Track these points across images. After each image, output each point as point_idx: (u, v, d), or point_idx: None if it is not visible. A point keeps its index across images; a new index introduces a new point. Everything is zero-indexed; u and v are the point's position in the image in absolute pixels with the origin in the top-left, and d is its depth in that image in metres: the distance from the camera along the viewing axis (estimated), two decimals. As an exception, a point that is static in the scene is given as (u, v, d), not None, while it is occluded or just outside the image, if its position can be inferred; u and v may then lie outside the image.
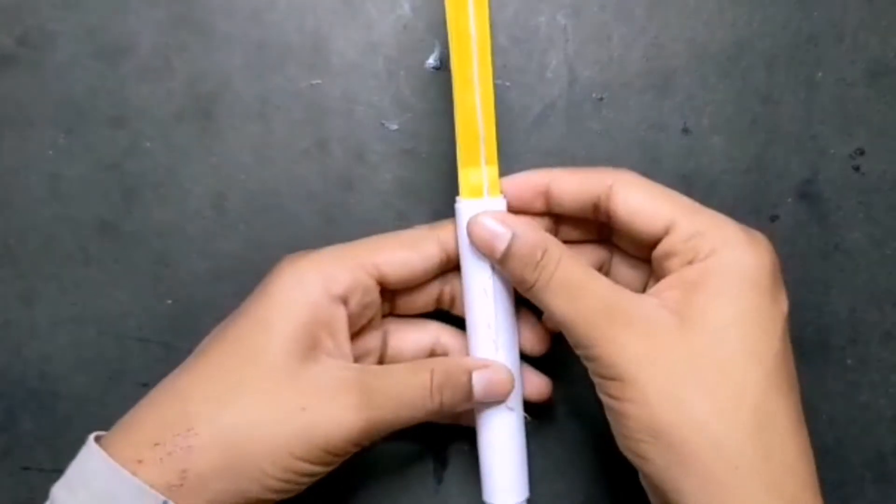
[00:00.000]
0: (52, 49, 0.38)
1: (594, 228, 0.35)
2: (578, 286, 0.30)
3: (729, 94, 0.38)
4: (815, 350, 0.39)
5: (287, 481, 0.30)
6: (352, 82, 0.38)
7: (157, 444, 0.29)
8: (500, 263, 0.32)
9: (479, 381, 0.33)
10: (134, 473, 0.28)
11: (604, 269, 0.36)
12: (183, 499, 0.29)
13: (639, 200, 0.31)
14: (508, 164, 0.38)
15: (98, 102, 0.38)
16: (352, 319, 0.33)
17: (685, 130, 0.38)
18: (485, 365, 0.33)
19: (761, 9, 0.38)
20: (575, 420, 0.39)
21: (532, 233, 0.31)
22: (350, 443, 0.31)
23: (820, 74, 0.38)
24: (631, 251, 0.35)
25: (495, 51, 0.38)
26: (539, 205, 0.34)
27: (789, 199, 0.39)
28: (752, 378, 0.28)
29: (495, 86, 0.32)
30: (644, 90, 0.38)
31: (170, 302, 0.39)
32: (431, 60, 0.38)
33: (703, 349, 0.29)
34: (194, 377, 0.31)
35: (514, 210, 0.33)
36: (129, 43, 0.38)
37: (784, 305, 0.30)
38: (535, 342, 0.36)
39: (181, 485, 0.29)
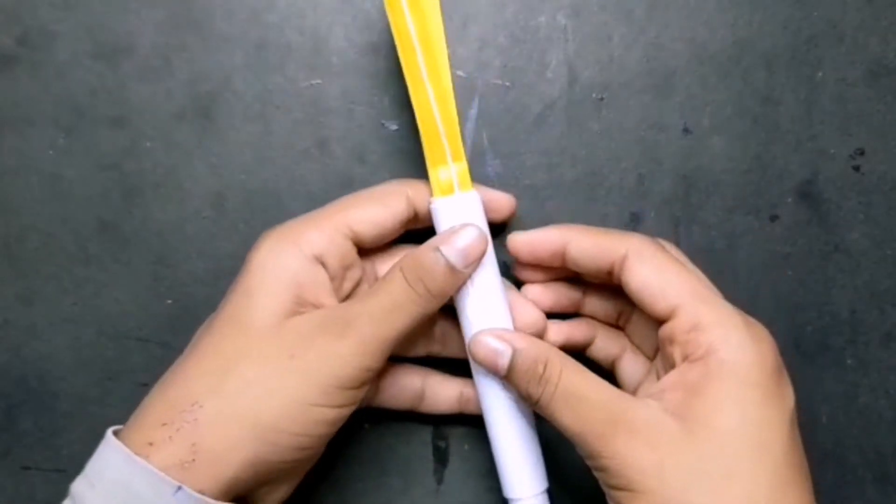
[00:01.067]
0: (52, 49, 0.38)
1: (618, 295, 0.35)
2: (581, 397, 0.31)
3: (729, 94, 0.38)
4: (815, 350, 0.39)
5: (307, 435, 0.30)
6: (352, 82, 0.38)
7: (164, 425, 0.29)
8: (506, 379, 0.32)
9: (451, 251, 0.32)
10: (147, 457, 0.29)
11: (618, 357, 0.37)
12: (200, 476, 0.29)
13: (648, 277, 0.32)
14: (509, 163, 0.38)
15: (98, 102, 0.38)
16: (335, 283, 0.33)
17: (685, 130, 0.38)
18: (450, 234, 0.32)
19: (761, 9, 0.38)
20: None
21: (532, 347, 0.32)
22: (359, 369, 0.31)
23: (820, 74, 0.38)
24: (643, 328, 0.36)
25: (495, 51, 0.38)
26: (556, 264, 0.35)
27: (789, 199, 0.39)
28: (762, 479, 0.29)
29: (455, 80, 0.32)
30: (644, 90, 0.38)
31: (169, 302, 0.39)
32: (431, 60, 0.38)
33: (709, 455, 0.29)
34: (193, 358, 0.31)
35: (529, 264, 0.35)
36: (129, 43, 0.38)
37: (789, 400, 0.30)
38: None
39: (193, 460, 0.29)
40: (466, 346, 0.33)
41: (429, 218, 0.34)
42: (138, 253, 0.39)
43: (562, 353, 0.32)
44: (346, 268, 0.34)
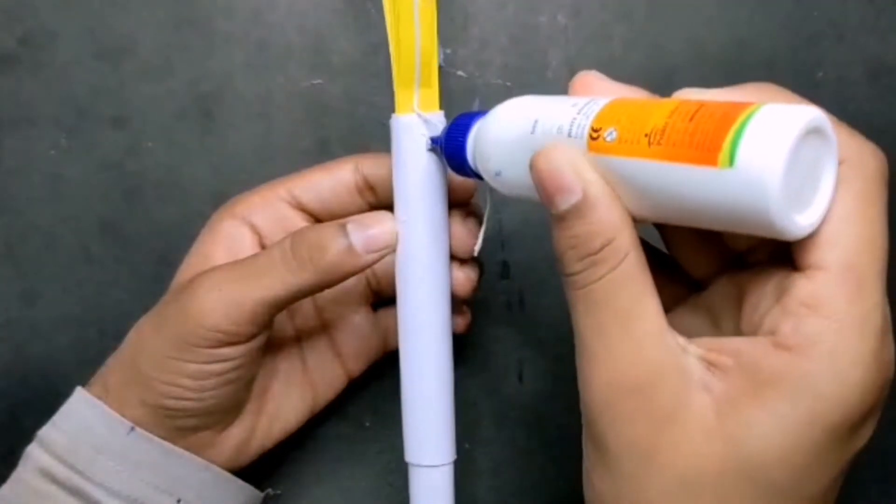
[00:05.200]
0: (53, 49, 0.38)
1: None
2: (623, 313, 0.23)
3: (729, 93, 0.38)
4: (815, 349, 0.39)
5: (174, 385, 0.31)
6: (352, 82, 0.38)
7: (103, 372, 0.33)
8: (553, 222, 0.25)
9: (357, 233, 0.31)
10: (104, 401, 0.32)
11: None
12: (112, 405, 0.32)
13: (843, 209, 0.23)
14: (509, 163, 0.38)
15: (99, 102, 0.38)
16: (266, 239, 0.34)
17: (685, 130, 0.38)
18: (365, 216, 0.32)
19: (761, 9, 0.38)
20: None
21: (606, 208, 0.23)
22: (208, 329, 0.30)
23: (820, 74, 0.38)
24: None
25: (496, 51, 0.38)
26: None
27: (789, 199, 0.39)
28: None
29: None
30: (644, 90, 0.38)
31: (171, 301, 0.39)
32: (432, 60, 0.38)
33: (736, 469, 0.22)
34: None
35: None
36: (130, 43, 0.38)
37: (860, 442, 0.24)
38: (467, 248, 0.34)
39: (106, 396, 0.32)
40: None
41: (387, 188, 0.33)
42: (140, 252, 0.39)
43: (637, 243, 0.24)
44: (287, 231, 0.33)
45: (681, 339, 0.24)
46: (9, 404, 0.39)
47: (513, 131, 0.27)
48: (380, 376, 0.38)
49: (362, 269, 0.31)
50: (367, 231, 0.31)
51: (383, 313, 0.37)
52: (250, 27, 0.38)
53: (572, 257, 0.24)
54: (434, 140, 0.31)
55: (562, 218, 0.24)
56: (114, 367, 0.33)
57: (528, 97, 0.28)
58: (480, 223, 0.33)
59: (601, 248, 0.23)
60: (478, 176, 0.29)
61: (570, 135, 0.25)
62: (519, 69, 0.38)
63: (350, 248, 0.30)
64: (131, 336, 0.33)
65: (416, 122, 0.31)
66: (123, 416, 0.31)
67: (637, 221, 0.24)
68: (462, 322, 0.36)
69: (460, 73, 0.38)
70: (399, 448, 0.34)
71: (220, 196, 0.36)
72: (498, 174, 0.28)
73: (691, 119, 0.22)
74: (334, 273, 0.31)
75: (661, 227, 0.28)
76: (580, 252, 0.24)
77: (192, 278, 0.32)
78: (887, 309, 0.22)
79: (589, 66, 0.38)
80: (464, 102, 0.38)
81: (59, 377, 0.39)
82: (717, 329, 0.26)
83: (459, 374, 0.38)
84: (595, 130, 0.24)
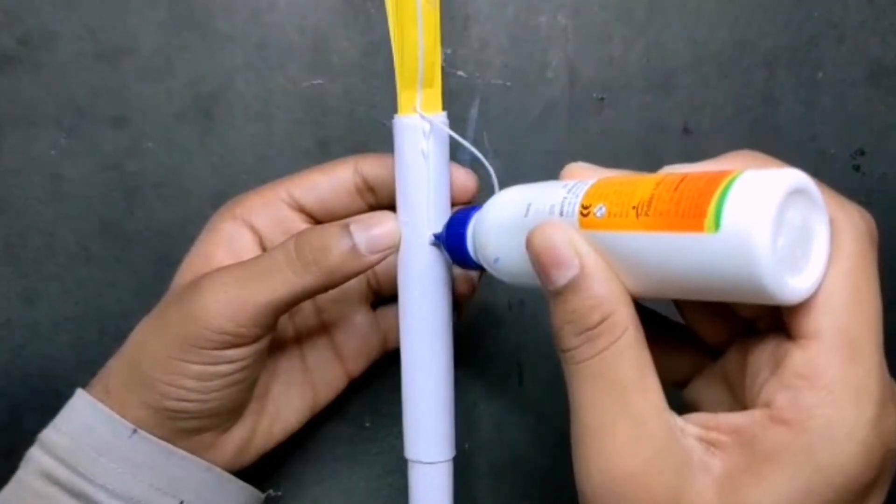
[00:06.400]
0: (53, 49, 0.38)
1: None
2: (621, 390, 0.23)
3: (729, 94, 0.38)
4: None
5: (176, 386, 0.31)
6: (352, 82, 0.38)
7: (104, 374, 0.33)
8: (549, 297, 0.25)
9: (360, 233, 0.31)
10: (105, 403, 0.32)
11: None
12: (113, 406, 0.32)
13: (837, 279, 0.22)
14: (510, 163, 0.38)
15: (99, 102, 0.38)
16: (269, 245, 0.34)
17: (685, 130, 0.38)
18: (368, 217, 0.31)
19: (761, 9, 0.38)
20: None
21: (603, 281, 0.23)
22: (212, 331, 0.30)
23: (820, 75, 0.38)
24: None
25: (496, 51, 0.38)
26: None
27: (789, 199, 0.39)
28: None
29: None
30: (644, 90, 0.38)
31: (171, 301, 0.39)
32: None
33: None
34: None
35: None
36: (130, 43, 0.38)
37: None
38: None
39: (107, 398, 0.32)
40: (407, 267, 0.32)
41: (388, 189, 0.33)
42: (140, 253, 0.39)
43: (635, 317, 0.24)
44: (287, 232, 0.33)
45: (679, 420, 0.23)
46: (9, 404, 0.39)
47: (507, 216, 0.28)
48: (380, 376, 0.38)
49: (366, 270, 0.31)
50: (371, 231, 0.31)
51: (383, 313, 0.37)
52: (250, 27, 0.38)
53: (569, 332, 0.24)
54: (436, 236, 0.32)
55: (559, 293, 0.24)
56: (115, 369, 0.33)
57: (521, 186, 0.29)
58: None
59: (599, 323, 0.23)
60: (480, 267, 0.30)
61: (561, 214, 0.25)
62: (519, 69, 0.38)
63: (354, 249, 0.30)
64: (133, 337, 0.33)
65: (418, 122, 0.31)
66: (125, 417, 0.31)
67: (634, 300, 0.24)
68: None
69: (460, 73, 0.38)
70: (399, 448, 0.34)
71: (220, 196, 0.36)
72: (497, 260, 0.28)
73: (676, 189, 0.22)
74: (338, 274, 0.31)
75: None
76: (578, 327, 0.23)
77: (195, 280, 0.31)
78: (886, 374, 0.22)
79: (589, 66, 0.38)
80: (464, 102, 0.38)
81: (59, 377, 0.39)
82: (734, 397, 0.26)
83: (459, 375, 0.38)
84: (585, 207, 0.24)
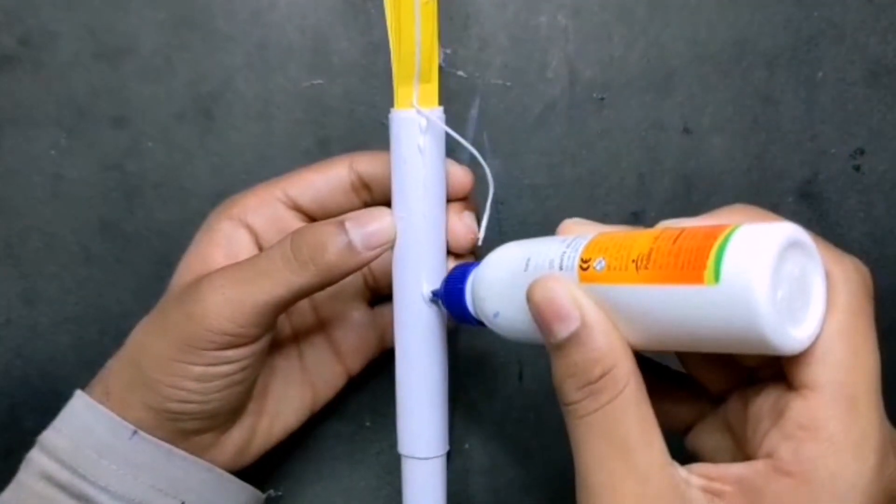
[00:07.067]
0: (53, 49, 0.38)
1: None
2: (624, 446, 0.23)
3: (729, 94, 0.38)
4: (815, 349, 0.39)
5: (178, 387, 0.31)
6: (352, 82, 0.38)
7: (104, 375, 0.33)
8: (550, 351, 0.25)
9: (356, 231, 0.31)
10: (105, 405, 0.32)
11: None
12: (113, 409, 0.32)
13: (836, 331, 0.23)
14: (510, 163, 0.38)
15: (99, 102, 0.38)
16: (266, 244, 0.34)
17: (685, 130, 0.38)
18: (363, 213, 0.31)
19: (761, 9, 0.38)
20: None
21: (604, 334, 0.23)
22: (212, 332, 0.30)
23: (820, 74, 0.38)
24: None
25: (496, 51, 0.38)
26: None
27: (790, 199, 0.39)
28: None
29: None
30: (644, 90, 0.38)
31: (171, 301, 0.39)
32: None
33: None
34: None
35: None
36: (130, 43, 0.38)
37: None
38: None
39: (108, 399, 0.32)
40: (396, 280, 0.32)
41: (383, 185, 0.33)
42: (140, 253, 0.39)
43: (636, 371, 0.24)
44: (284, 231, 0.33)
45: (682, 471, 0.24)
46: (9, 404, 0.39)
47: (507, 271, 0.28)
48: (380, 375, 0.38)
49: (363, 266, 0.31)
50: (366, 228, 0.31)
51: (380, 310, 0.37)
52: (250, 27, 0.38)
53: (571, 386, 0.24)
54: (434, 293, 0.32)
55: (560, 346, 0.24)
56: (115, 370, 0.33)
57: (519, 241, 0.29)
58: (478, 219, 0.33)
59: (601, 377, 0.23)
60: (479, 322, 0.30)
61: (561, 268, 0.25)
62: (519, 69, 0.38)
63: (350, 246, 0.31)
64: (133, 339, 0.33)
65: (414, 117, 0.31)
66: (126, 419, 0.31)
67: (635, 352, 0.24)
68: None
69: (460, 73, 0.38)
70: (397, 447, 0.34)
71: (220, 196, 0.36)
72: (496, 315, 0.29)
73: (675, 242, 0.23)
74: (335, 271, 0.31)
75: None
76: (579, 381, 0.23)
77: (194, 281, 0.31)
78: (886, 424, 0.23)
79: (589, 66, 0.38)
80: (464, 102, 0.38)
81: (59, 377, 0.39)
82: (736, 444, 0.26)
83: (459, 373, 0.38)
84: (585, 261, 0.25)
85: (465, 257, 0.35)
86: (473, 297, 0.30)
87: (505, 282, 0.28)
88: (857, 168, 0.39)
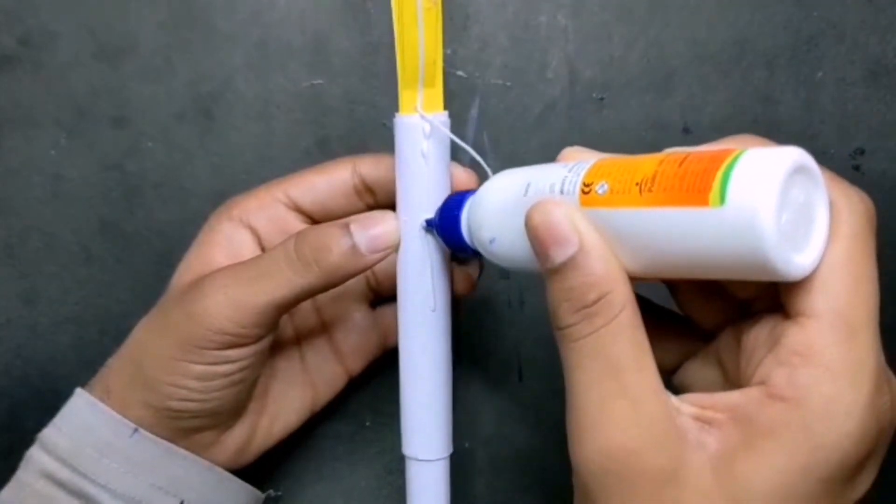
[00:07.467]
0: (53, 49, 0.38)
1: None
2: (617, 369, 0.23)
3: (729, 94, 0.38)
4: (815, 349, 0.39)
5: (178, 386, 0.31)
6: (352, 82, 0.38)
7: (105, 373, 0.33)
8: (545, 275, 0.24)
9: (360, 233, 0.31)
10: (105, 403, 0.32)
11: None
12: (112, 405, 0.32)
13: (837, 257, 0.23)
14: (510, 163, 0.38)
15: (99, 102, 0.38)
16: (268, 245, 0.34)
17: (685, 130, 0.38)
18: (367, 216, 0.31)
19: (761, 9, 0.38)
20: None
21: (602, 259, 0.23)
22: (214, 331, 0.30)
23: (820, 74, 0.38)
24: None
25: (496, 51, 0.38)
26: None
27: (789, 199, 0.39)
28: None
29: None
30: (644, 90, 0.38)
31: (171, 301, 0.39)
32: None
33: None
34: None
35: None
36: (130, 43, 0.38)
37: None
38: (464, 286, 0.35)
39: (108, 398, 0.32)
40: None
41: (386, 189, 0.33)
42: (140, 253, 0.39)
43: (632, 297, 0.23)
44: (285, 233, 0.33)
45: (674, 399, 0.24)
46: (9, 404, 0.39)
47: (505, 196, 0.27)
48: (380, 375, 0.38)
49: (366, 269, 0.31)
50: (371, 231, 0.31)
51: (382, 311, 0.37)
52: (250, 27, 0.38)
53: (567, 310, 0.24)
54: (428, 221, 0.31)
55: (557, 270, 0.24)
56: (116, 369, 0.33)
57: (519, 167, 0.28)
58: None
59: (596, 301, 0.23)
60: (474, 251, 0.30)
61: (562, 192, 0.25)
62: (519, 69, 0.38)
63: (354, 249, 0.30)
64: (133, 337, 0.33)
65: (418, 122, 0.31)
66: (126, 417, 0.32)
67: (633, 279, 0.24)
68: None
69: (460, 73, 0.38)
70: (400, 447, 0.34)
71: (220, 196, 0.36)
72: (492, 241, 0.28)
73: (680, 165, 0.22)
74: (338, 274, 0.31)
75: (668, 281, 0.28)
76: (575, 304, 0.23)
77: (197, 281, 0.31)
78: (881, 355, 0.22)
79: (589, 66, 0.38)
80: (464, 102, 0.38)
81: (59, 377, 0.39)
82: (726, 379, 0.26)
83: (459, 372, 0.38)
84: (587, 185, 0.24)
85: (469, 261, 0.35)
86: (469, 224, 0.29)
87: (503, 207, 0.27)
88: (857, 168, 0.39)
